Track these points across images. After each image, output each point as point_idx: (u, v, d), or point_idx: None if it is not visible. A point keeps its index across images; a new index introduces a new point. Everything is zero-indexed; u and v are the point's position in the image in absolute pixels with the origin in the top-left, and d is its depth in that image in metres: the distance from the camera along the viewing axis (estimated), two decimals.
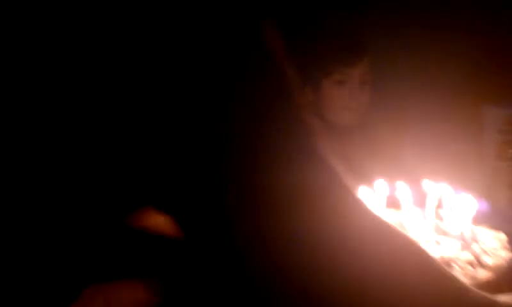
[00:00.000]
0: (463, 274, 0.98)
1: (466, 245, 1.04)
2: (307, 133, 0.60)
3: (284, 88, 0.61)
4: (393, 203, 1.13)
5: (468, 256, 1.02)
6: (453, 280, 0.68)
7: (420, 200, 1.11)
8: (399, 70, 1.78)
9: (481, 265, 1.01)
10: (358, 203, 0.64)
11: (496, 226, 1.09)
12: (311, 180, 0.59)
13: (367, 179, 1.37)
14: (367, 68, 1.65)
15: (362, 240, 0.61)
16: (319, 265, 0.58)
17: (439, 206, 1.11)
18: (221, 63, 0.58)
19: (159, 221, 0.98)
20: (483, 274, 1.00)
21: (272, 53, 0.61)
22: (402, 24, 1.77)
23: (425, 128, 1.71)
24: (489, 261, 1.02)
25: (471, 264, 1.01)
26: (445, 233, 1.07)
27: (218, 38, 0.59)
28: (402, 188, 1.11)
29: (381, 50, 1.76)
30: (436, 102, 1.73)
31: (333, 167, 0.61)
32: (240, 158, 0.57)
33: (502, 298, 0.89)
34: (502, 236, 1.06)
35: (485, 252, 1.03)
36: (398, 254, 0.63)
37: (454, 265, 0.99)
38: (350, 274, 0.58)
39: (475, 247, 1.04)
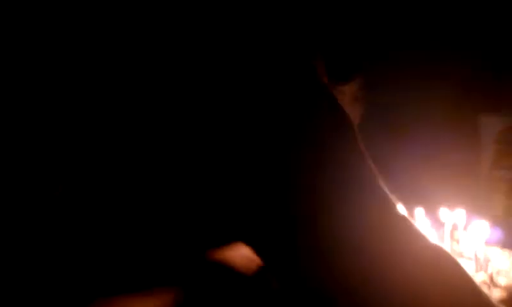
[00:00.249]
0: None
1: (480, 267, 1.08)
2: (371, 170, 0.63)
3: (348, 127, 0.64)
4: None
5: (482, 276, 1.07)
6: (485, 294, 0.72)
7: (436, 223, 1.15)
8: (397, 80, 1.82)
9: (495, 285, 1.06)
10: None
11: (508, 247, 1.14)
12: (377, 212, 0.61)
13: None
14: (359, 85, 1.68)
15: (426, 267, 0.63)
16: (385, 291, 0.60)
17: (454, 228, 1.15)
18: (292, 104, 0.61)
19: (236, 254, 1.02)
20: (497, 294, 1.05)
21: (332, 94, 0.64)
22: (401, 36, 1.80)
23: (423, 138, 1.75)
24: (502, 281, 1.07)
25: (485, 284, 1.06)
26: (460, 255, 1.11)
27: (288, 83, 0.62)
28: (419, 212, 1.15)
29: (379, 61, 1.80)
30: (434, 111, 1.78)
31: (392, 200, 0.64)
32: (310, 198, 0.60)
33: None
34: None
35: (498, 272, 1.08)
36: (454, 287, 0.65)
37: None
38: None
39: (489, 268, 1.09)
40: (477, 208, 1.40)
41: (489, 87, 1.76)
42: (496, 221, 1.18)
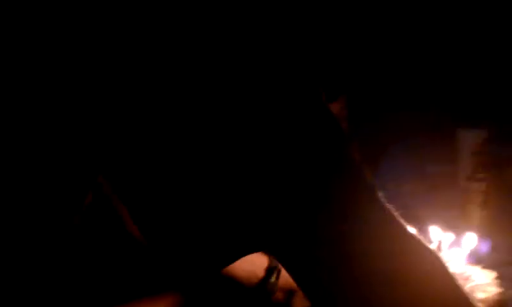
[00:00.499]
0: None
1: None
2: (390, 216, 0.68)
3: (363, 177, 0.70)
4: None
5: None
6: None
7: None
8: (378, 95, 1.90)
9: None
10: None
11: (489, 266, 1.22)
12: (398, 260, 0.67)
13: None
14: (343, 104, 1.77)
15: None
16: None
17: (438, 247, 1.23)
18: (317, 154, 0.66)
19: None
20: None
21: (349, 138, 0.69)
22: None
23: (403, 150, 1.84)
24: (481, 295, 1.15)
25: None
26: None
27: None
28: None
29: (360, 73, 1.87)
30: (415, 125, 1.86)
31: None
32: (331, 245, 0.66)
33: None
34: (492, 274, 1.20)
35: (477, 287, 1.17)
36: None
37: None
38: None
39: (469, 283, 1.17)
40: (454, 218, 1.49)
41: (467, 102, 1.85)
42: (479, 239, 1.26)
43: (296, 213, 0.65)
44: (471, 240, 1.22)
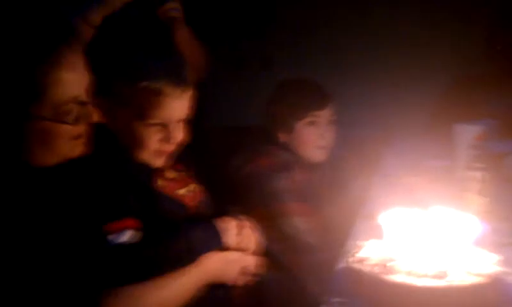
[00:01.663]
0: None
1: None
2: None
3: None
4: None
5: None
6: None
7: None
8: (381, 95, 2.00)
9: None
10: None
11: (490, 248, 1.30)
12: None
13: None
14: (333, 109, 2.01)
15: None
16: None
17: (441, 228, 1.28)
18: None
19: None
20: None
21: None
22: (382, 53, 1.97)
23: (404, 147, 1.93)
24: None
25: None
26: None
27: None
28: (387, 217, 1.30)
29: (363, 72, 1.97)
30: (414, 122, 1.96)
31: None
32: None
33: None
34: (495, 256, 1.27)
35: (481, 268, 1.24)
36: None
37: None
38: None
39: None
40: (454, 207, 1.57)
41: (464, 98, 1.94)
42: (480, 224, 1.32)
43: None
44: (474, 224, 1.29)
